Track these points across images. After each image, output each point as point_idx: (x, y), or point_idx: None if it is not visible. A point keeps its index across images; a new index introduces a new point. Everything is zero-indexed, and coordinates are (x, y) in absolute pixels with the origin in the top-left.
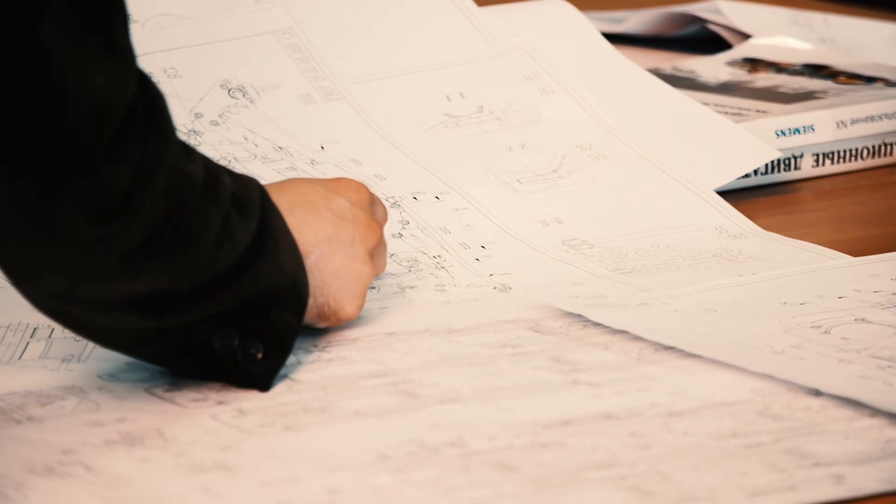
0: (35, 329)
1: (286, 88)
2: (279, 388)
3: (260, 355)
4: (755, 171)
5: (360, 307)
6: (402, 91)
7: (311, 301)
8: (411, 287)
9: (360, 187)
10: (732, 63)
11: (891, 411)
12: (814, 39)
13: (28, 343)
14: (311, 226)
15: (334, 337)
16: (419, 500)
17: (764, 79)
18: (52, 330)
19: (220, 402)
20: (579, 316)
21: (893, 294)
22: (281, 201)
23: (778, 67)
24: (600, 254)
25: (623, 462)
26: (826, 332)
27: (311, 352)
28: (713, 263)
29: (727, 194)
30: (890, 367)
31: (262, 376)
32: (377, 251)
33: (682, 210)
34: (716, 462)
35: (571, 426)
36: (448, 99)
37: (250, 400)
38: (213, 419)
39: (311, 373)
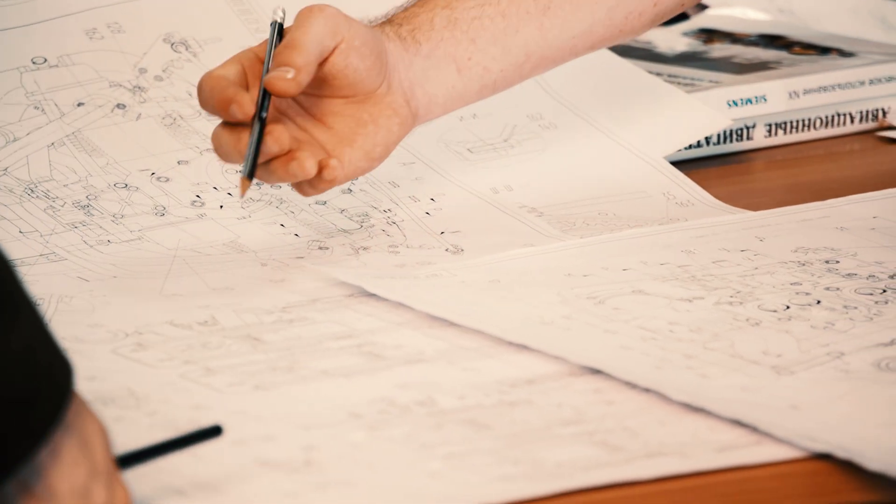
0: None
1: (228, 41)
2: (244, 348)
3: None
4: (708, 141)
5: None
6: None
7: None
8: (364, 248)
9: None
10: (689, 34)
11: (633, 382)
12: (772, 10)
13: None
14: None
15: (293, 297)
16: (395, 455)
17: (719, 49)
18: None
19: (187, 362)
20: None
21: (679, 267)
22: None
23: (733, 38)
24: (549, 222)
25: (590, 418)
26: (600, 302)
27: (272, 312)
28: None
29: (681, 164)
30: (653, 338)
31: None
32: None
33: (630, 178)
34: (683, 417)
35: (537, 384)
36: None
37: (217, 359)
38: (183, 378)
39: (275, 333)
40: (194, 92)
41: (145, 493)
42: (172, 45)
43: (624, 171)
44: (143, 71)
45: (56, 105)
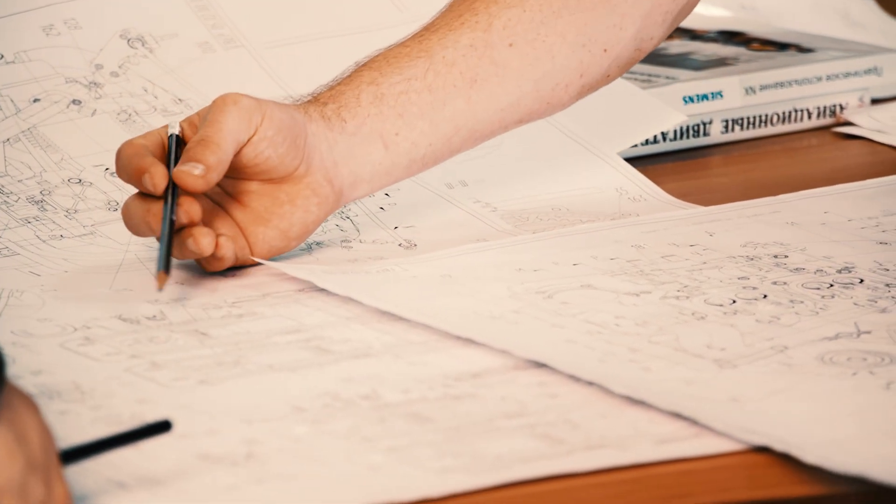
0: None
1: (185, 37)
2: (191, 342)
3: None
4: (664, 137)
5: None
6: (309, 55)
7: None
8: (317, 243)
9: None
10: None
11: (577, 375)
12: (734, 7)
13: None
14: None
15: (243, 292)
16: (337, 449)
17: (678, 45)
18: None
19: (134, 356)
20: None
21: (629, 261)
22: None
23: (693, 34)
24: (502, 217)
25: (533, 411)
26: (549, 297)
27: (220, 307)
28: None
29: (636, 160)
30: (599, 332)
31: None
32: None
33: (583, 173)
34: (624, 410)
35: (481, 378)
36: (357, 65)
37: (163, 354)
38: (128, 372)
39: (223, 328)
40: (150, 88)
41: (87, 487)
42: (129, 41)
43: (577, 166)
44: (99, 67)
45: (12, 101)
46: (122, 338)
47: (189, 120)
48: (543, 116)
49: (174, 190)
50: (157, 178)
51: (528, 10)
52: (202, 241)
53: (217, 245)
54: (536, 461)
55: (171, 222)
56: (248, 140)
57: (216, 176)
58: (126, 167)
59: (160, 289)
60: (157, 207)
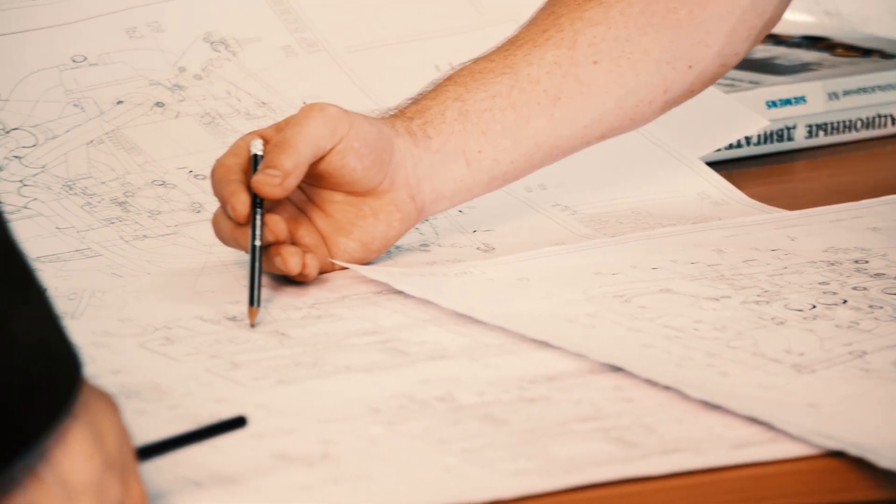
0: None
1: (267, 40)
2: (271, 343)
3: None
4: (748, 142)
5: None
6: (391, 59)
7: None
8: (396, 246)
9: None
10: None
11: (653, 379)
12: (817, 12)
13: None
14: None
15: (323, 294)
16: (411, 450)
17: (761, 50)
18: (46, 290)
19: (214, 356)
20: None
21: (709, 266)
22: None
23: (777, 39)
24: (581, 220)
25: (607, 415)
26: (627, 301)
27: (300, 309)
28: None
29: (720, 165)
30: (677, 336)
31: None
32: None
33: (666, 177)
34: (700, 414)
35: (556, 381)
36: (437, 68)
37: (243, 354)
38: (208, 372)
39: (302, 329)
40: (233, 91)
41: (164, 486)
42: (212, 44)
43: (659, 170)
44: (182, 70)
45: (95, 103)
46: (203, 338)
47: (277, 125)
48: (626, 132)
49: (259, 212)
50: (239, 209)
51: (612, 27)
52: (290, 261)
53: (304, 264)
54: (610, 464)
55: (258, 250)
56: (333, 148)
57: (294, 180)
58: (215, 192)
59: (252, 325)
60: (244, 226)
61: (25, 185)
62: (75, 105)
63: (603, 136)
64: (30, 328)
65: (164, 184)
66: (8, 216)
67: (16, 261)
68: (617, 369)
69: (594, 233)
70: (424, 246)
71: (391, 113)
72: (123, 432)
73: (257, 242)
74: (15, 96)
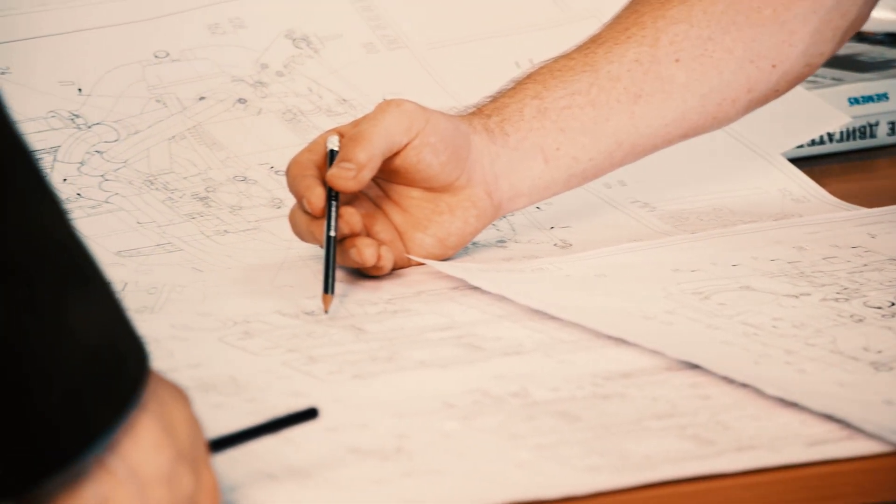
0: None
1: (349, 37)
2: (347, 337)
3: None
4: (830, 139)
5: None
6: (472, 56)
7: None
8: (473, 243)
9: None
10: None
11: (730, 376)
12: None
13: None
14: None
15: (399, 289)
16: (485, 445)
17: (844, 47)
18: (126, 284)
19: (291, 350)
20: None
21: (789, 263)
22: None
23: (860, 36)
24: (660, 217)
25: (683, 412)
26: (706, 298)
27: (376, 304)
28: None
29: (802, 161)
30: (756, 334)
31: None
32: None
33: (746, 173)
34: (776, 411)
35: (632, 378)
36: (517, 65)
37: (320, 348)
38: (285, 366)
39: (378, 323)
40: (315, 88)
41: (237, 478)
42: (294, 40)
43: (740, 166)
44: (264, 66)
45: (178, 99)
46: (281, 332)
47: (354, 122)
48: (710, 131)
49: (334, 205)
50: (314, 202)
51: (695, 25)
52: (365, 252)
53: (379, 256)
54: (685, 461)
55: (332, 240)
56: (409, 143)
57: (368, 173)
58: (291, 188)
59: (326, 311)
60: (320, 220)
61: (107, 180)
62: (157, 101)
63: (686, 135)
64: (94, 321)
65: (245, 179)
66: (88, 210)
67: (78, 254)
68: (694, 366)
69: (673, 230)
70: (501, 242)
71: (469, 111)
72: (195, 424)
73: (332, 233)
74: (97, 91)
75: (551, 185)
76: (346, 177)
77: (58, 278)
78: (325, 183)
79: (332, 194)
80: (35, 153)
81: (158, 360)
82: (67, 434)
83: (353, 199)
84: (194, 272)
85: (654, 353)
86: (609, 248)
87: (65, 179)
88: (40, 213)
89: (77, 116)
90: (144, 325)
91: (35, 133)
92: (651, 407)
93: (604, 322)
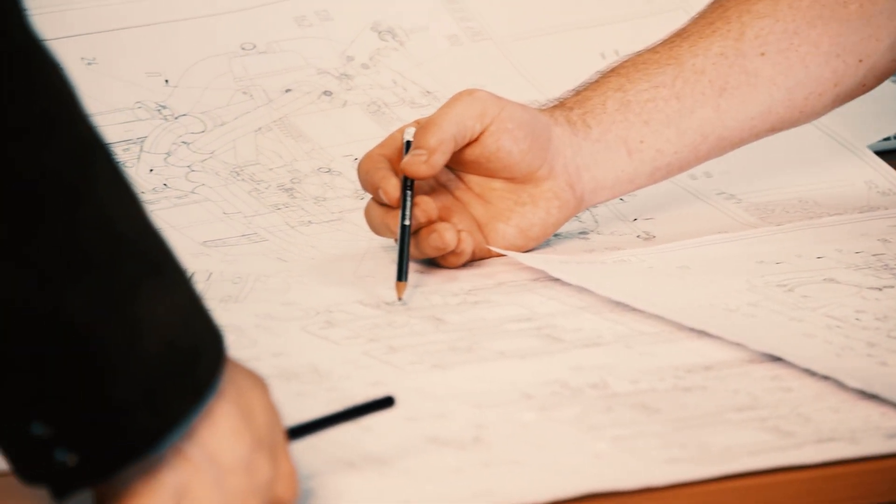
0: (193, 273)
1: (434, 30)
2: (428, 327)
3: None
4: None
5: None
6: (556, 47)
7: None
8: (555, 234)
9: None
10: None
11: (811, 369)
12: None
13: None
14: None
15: (479, 281)
16: (563, 436)
17: None
18: (211, 274)
19: (372, 340)
20: None
21: (874, 255)
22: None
23: None
24: (746, 209)
25: (765, 404)
26: (790, 290)
27: (457, 295)
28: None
29: (888, 154)
30: (838, 326)
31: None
32: None
33: (832, 165)
34: (857, 404)
35: (714, 371)
36: (603, 57)
37: (400, 338)
38: (366, 355)
39: (458, 314)
40: (400, 80)
41: (316, 465)
42: (380, 33)
43: (826, 158)
44: (350, 59)
45: (264, 91)
46: (363, 322)
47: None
48: (797, 125)
49: (409, 195)
50: (390, 191)
51: (780, 19)
52: (446, 236)
53: (459, 240)
54: (764, 453)
55: (407, 228)
56: (486, 130)
57: (440, 157)
58: (364, 182)
59: (400, 299)
60: (395, 213)
61: (193, 171)
62: (244, 92)
63: (773, 129)
64: (170, 311)
65: (329, 171)
66: (175, 200)
67: (154, 245)
68: (776, 359)
69: (759, 221)
70: (583, 234)
71: (552, 104)
72: (273, 411)
73: (406, 222)
74: (184, 83)
75: (635, 178)
76: (419, 161)
77: (133, 270)
78: (399, 175)
79: (408, 184)
80: (110, 145)
81: (242, 348)
82: (145, 422)
83: (432, 192)
84: (278, 262)
85: (736, 345)
86: (693, 240)
87: (151, 170)
88: (115, 205)
89: (164, 107)
90: (229, 314)
91: (122, 123)
92: (732, 399)
93: (686, 314)
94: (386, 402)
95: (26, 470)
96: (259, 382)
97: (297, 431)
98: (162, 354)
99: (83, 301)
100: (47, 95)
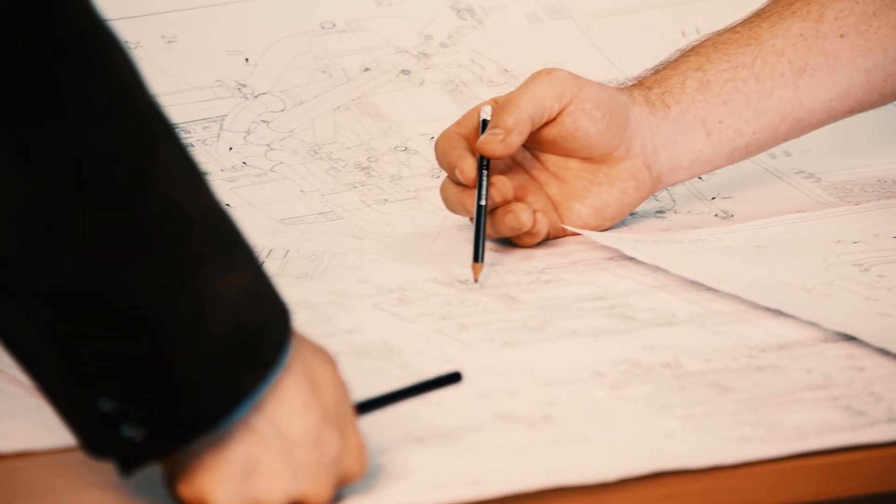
0: (270, 250)
1: (512, 8)
2: (500, 306)
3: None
4: None
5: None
6: (636, 25)
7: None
8: (632, 213)
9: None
10: None
11: (886, 348)
12: None
13: (263, 262)
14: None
15: (553, 259)
16: (633, 415)
17: None
18: (287, 251)
19: (444, 318)
20: None
21: None
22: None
23: None
24: (825, 188)
25: (838, 383)
26: (866, 269)
27: (530, 273)
28: None
29: None
30: None
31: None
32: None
33: None
34: None
35: (788, 350)
36: (683, 35)
37: (472, 316)
38: (438, 333)
39: (531, 293)
40: (478, 59)
41: (385, 441)
42: (458, 11)
43: None
44: (428, 38)
45: (343, 70)
46: (435, 300)
47: (507, 95)
48: (877, 106)
49: (485, 174)
50: (466, 170)
51: (860, 2)
52: (522, 216)
53: (534, 220)
54: (835, 432)
55: (483, 208)
56: (564, 109)
57: (517, 137)
58: (441, 161)
59: (476, 280)
60: (470, 193)
61: (272, 149)
62: (323, 71)
63: (852, 111)
64: (237, 286)
65: (406, 149)
66: (253, 178)
67: (222, 222)
68: (850, 338)
69: (837, 201)
70: (660, 213)
71: (630, 83)
72: (341, 385)
73: (482, 202)
74: (264, 62)
75: (713, 158)
76: (495, 141)
77: (201, 247)
78: (476, 154)
79: (484, 164)
80: (176, 125)
81: (316, 325)
82: (213, 396)
83: (508, 171)
84: (354, 240)
85: (811, 324)
86: (771, 219)
87: (231, 148)
88: (179, 185)
89: (244, 86)
90: (304, 291)
91: (202, 102)
92: (805, 378)
93: (761, 294)
94: (453, 378)
95: (94, 445)
96: (327, 357)
97: (366, 406)
98: (228, 331)
99: (148, 279)
100: (109, 77)
